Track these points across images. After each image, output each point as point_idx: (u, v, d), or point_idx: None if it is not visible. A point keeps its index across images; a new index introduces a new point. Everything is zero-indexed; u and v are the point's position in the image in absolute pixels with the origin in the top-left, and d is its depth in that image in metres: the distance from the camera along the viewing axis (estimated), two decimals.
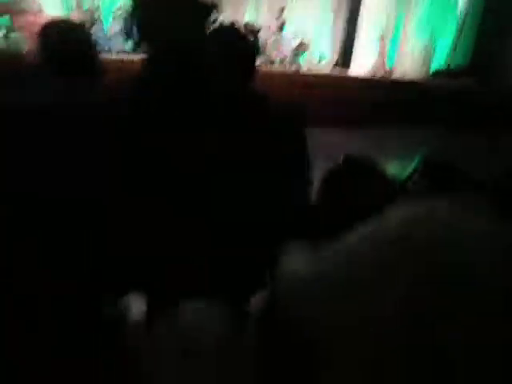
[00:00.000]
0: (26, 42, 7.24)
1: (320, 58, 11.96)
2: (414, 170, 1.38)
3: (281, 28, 10.34)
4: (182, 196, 0.97)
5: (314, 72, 9.74)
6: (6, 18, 7.21)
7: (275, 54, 10.61)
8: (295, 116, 1.19)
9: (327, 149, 5.85)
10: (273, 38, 10.29)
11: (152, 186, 0.95)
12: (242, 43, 1.17)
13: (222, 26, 1.16)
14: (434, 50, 11.08)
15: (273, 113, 1.14)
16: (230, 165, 1.05)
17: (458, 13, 10.42)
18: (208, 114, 1.00)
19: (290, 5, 12.26)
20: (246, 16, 11.99)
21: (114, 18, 10.29)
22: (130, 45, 10.55)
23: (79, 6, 9.15)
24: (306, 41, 11.47)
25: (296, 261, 0.93)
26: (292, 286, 0.87)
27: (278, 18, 10.51)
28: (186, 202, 0.99)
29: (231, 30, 1.19)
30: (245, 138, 1.07)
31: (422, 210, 0.75)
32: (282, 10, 10.60)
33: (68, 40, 1.15)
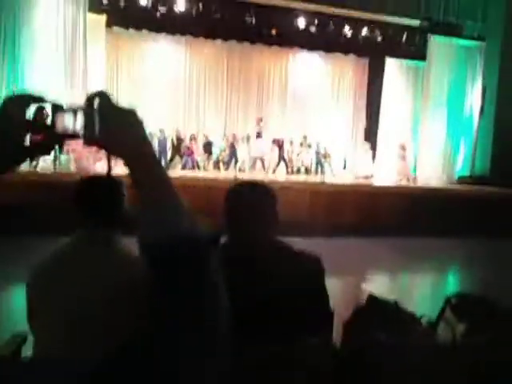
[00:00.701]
0: (73, 163, 8.09)
1: (343, 167, 12.56)
2: (443, 310, 1.35)
3: (259, 135, 11.20)
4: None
5: (338, 182, 10.12)
6: None
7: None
8: (313, 269, 1.24)
9: (353, 261, 5.83)
10: (252, 144, 11.19)
11: None
12: (264, 200, 1.26)
13: (242, 184, 1.28)
14: (455, 157, 11.48)
15: (289, 261, 1.20)
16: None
17: (475, 123, 11.00)
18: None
19: (313, 117, 13.40)
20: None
21: (151, 137, 11.55)
22: (163, 162, 11.57)
23: None
24: (327, 151, 12.23)
25: None
26: None
27: (257, 126, 11.46)
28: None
29: (252, 189, 1.30)
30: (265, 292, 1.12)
31: None
32: (261, 119, 11.59)
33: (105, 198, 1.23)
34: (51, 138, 0.57)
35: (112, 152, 0.58)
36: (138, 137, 0.58)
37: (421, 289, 5.01)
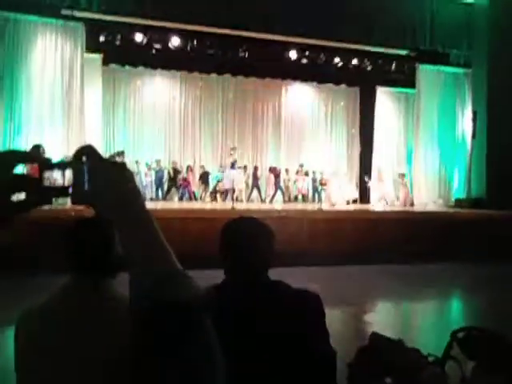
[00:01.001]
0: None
1: (338, 194, 12.58)
2: (450, 346, 1.30)
3: (233, 165, 11.11)
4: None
5: (336, 208, 10.11)
6: None
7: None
8: (312, 309, 1.20)
9: (353, 290, 5.74)
10: (225, 175, 11.00)
11: None
12: (261, 237, 1.25)
13: (239, 220, 1.27)
14: (450, 181, 11.56)
15: (288, 302, 1.17)
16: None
17: (468, 147, 11.15)
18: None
19: (308, 146, 13.55)
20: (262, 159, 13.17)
21: (148, 169, 11.63)
22: (160, 193, 11.62)
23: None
24: (324, 178, 12.29)
25: None
26: None
27: (230, 156, 11.38)
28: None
29: (249, 225, 1.28)
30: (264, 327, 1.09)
31: None
32: (234, 149, 11.57)
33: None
34: (39, 195, 0.56)
35: (100, 210, 0.57)
36: (127, 193, 0.56)
37: (424, 318, 4.89)
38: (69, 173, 0.55)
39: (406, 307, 5.39)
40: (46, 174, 0.56)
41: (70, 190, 0.55)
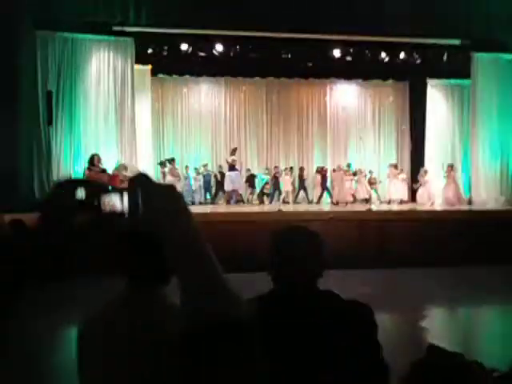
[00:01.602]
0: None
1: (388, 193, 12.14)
2: None
3: (232, 167, 10.79)
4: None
5: (386, 208, 9.78)
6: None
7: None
8: (364, 321, 1.15)
9: (407, 294, 5.44)
10: (226, 177, 10.69)
11: None
12: (312, 247, 1.21)
13: (289, 229, 1.24)
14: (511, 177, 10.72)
15: (338, 314, 1.13)
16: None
17: None
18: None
19: (355, 145, 13.22)
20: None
21: (197, 174, 11.93)
22: (209, 197, 11.86)
23: (174, 168, 10.74)
24: (373, 177, 11.93)
25: None
26: None
27: (230, 156, 11.06)
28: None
29: (300, 234, 1.23)
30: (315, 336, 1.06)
31: None
32: (234, 150, 11.22)
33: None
34: (98, 218, 0.61)
35: (155, 231, 0.61)
36: (178, 212, 0.61)
37: (485, 326, 4.56)
38: (125, 198, 0.59)
39: (464, 313, 5.07)
40: (105, 199, 0.60)
41: (127, 214, 0.60)
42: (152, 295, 1.25)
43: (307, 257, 1.19)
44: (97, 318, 1.33)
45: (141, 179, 0.61)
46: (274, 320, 1.02)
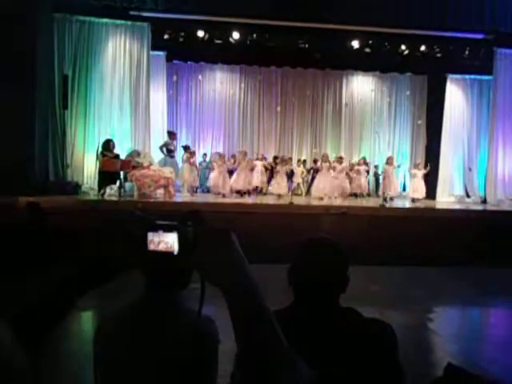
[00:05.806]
0: (135, 190, 8.56)
1: (403, 189, 12.01)
2: None
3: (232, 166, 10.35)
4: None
5: (399, 205, 9.68)
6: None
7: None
8: (386, 341, 1.13)
9: (418, 294, 5.39)
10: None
11: None
12: (337, 262, 1.18)
13: (317, 241, 1.22)
14: None
15: (358, 334, 1.10)
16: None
17: None
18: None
19: (370, 138, 13.05)
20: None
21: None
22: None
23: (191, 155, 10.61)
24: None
25: None
26: None
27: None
28: None
29: (328, 248, 1.19)
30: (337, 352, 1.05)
31: None
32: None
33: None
34: (142, 259, 0.57)
35: (206, 277, 0.55)
36: (233, 260, 0.55)
37: (497, 329, 4.51)
38: (174, 236, 0.54)
39: (475, 314, 5.03)
40: (151, 237, 0.55)
41: (175, 253, 0.54)
42: (169, 299, 1.25)
43: (330, 271, 1.17)
44: (112, 320, 1.34)
45: (195, 215, 0.57)
46: (295, 337, 1.01)
